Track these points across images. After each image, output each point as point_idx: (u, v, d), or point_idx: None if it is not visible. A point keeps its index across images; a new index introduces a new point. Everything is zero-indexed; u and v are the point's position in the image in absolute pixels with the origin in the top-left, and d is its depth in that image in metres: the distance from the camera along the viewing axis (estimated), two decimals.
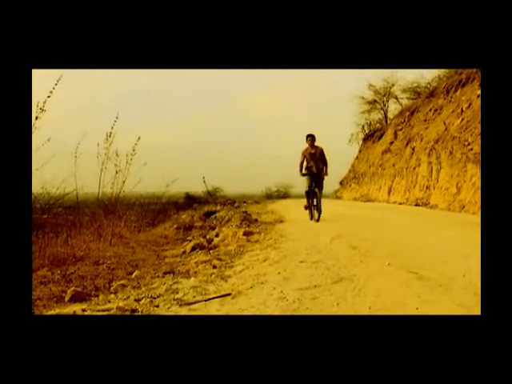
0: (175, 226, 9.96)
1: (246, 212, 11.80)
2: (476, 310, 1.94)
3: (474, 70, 14.26)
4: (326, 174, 9.57)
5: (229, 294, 3.21)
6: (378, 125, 28.99)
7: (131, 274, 4.68)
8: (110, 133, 7.40)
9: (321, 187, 9.49)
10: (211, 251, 5.81)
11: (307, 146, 9.61)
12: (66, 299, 3.65)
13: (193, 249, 6.15)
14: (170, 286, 3.65)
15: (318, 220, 9.05)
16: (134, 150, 7.71)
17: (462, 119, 14.03)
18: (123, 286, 4.00)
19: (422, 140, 17.54)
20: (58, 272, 4.73)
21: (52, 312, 3.23)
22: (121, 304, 3.13)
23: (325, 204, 9.45)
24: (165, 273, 4.49)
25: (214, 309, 2.94)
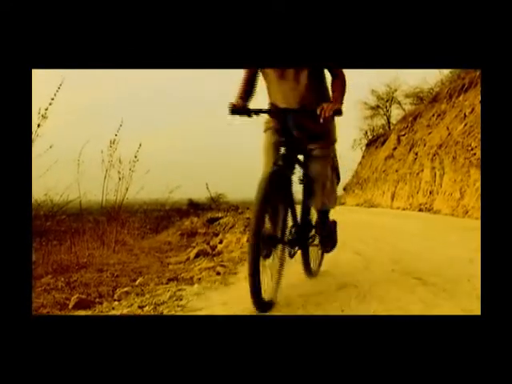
0: (179, 233, 9.97)
1: (249, 218, 11.79)
2: None
3: (477, 74, 14.25)
4: (337, 111, 2.73)
5: None
6: (380, 130, 29.06)
7: (135, 281, 4.68)
8: (114, 140, 7.44)
9: (324, 172, 3.12)
10: (215, 258, 5.81)
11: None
12: (70, 306, 3.65)
13: (196, 255, 6.14)
14: (174, 292, 3.65)
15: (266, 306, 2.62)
16: (136, 157, 7.74)
17: (465, 124, 14.02)
18: (127, 293, 4.00)
19: (425, 145, 17.53)
20: (62, 279, 4.73)
21: None
22: (125, 311, 3.13)
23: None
24: (169, 279, 4.48)
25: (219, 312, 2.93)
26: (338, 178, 3.46)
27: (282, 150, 2.72)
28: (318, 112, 2.70)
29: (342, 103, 2.83)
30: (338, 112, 2.75)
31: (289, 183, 2.83)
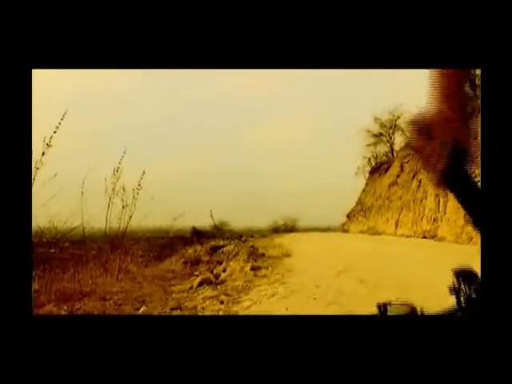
0: (182, 261, 9.93)
1: (253, 246, 11.76)
2: None
3: (478, 102, 14.33)
4: None
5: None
6: (384, 157, 29.10)
7: (138, 309, 4.65)
8: (118, 168, 7.48)
9: None
10: (218, 286, 5.78)
11: None
12: None
13: (200, 284, 6.11)
14: None
15: None
16: (139, 185, 7.76)
17: None
18: None
19: (428, 172, 17.55)
20: (65, 308, 4.71)
21: None
22: None
23: (332, 237, 8.70)
24: (172, 308, 4.46)
25: None
26: None
27: None
28: None
29: None
30: None
31: None
